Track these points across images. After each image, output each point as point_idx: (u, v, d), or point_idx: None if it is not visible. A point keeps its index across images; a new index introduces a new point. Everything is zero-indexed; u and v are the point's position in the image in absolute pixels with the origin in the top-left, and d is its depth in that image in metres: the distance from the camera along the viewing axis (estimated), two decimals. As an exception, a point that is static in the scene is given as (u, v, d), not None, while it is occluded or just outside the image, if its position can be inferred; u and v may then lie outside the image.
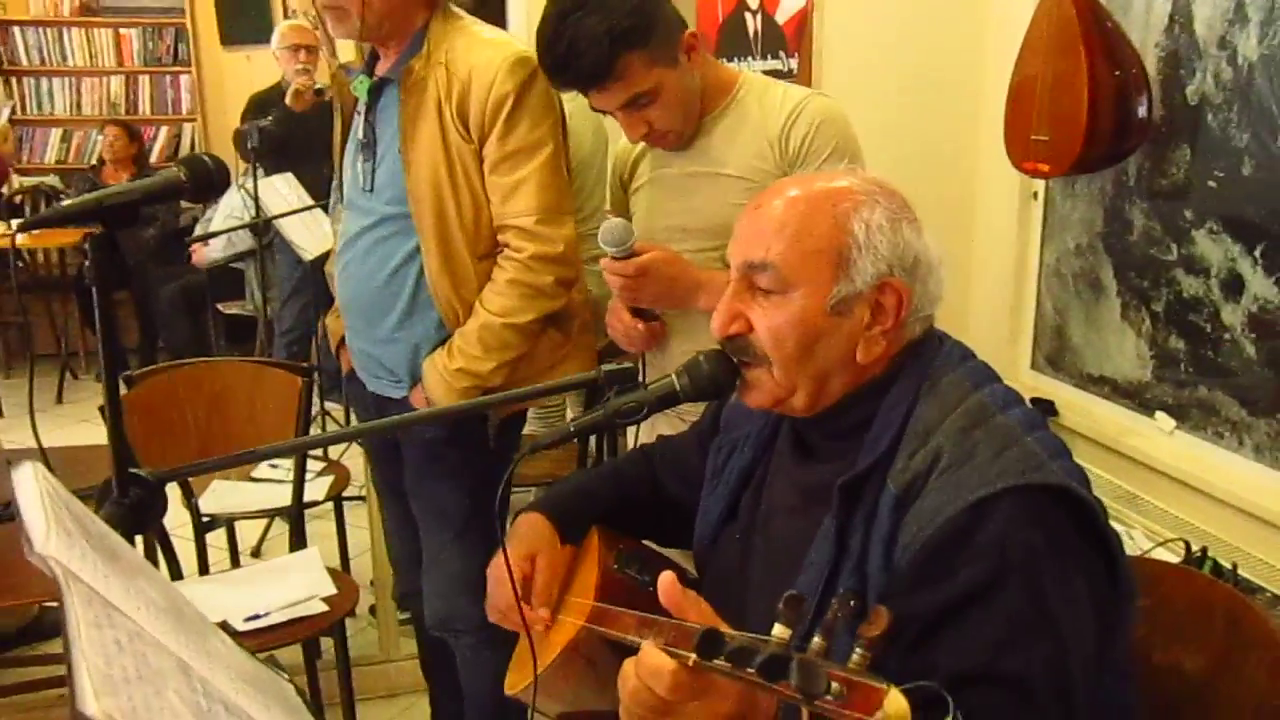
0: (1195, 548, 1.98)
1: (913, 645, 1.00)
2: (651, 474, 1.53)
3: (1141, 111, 2.26)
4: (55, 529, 0.80)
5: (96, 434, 4.62)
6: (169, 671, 0.73)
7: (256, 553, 3.49)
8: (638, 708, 0.89)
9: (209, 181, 1.20)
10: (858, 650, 0.70)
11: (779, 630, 0.76)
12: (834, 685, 0.68)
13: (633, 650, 0.97)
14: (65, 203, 1.11)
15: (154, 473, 1.20)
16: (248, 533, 3.40)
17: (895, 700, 0.66)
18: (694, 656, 0.79)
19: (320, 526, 3.19)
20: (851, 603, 1.09)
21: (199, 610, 1.02)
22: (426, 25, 1.86)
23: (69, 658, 0.62)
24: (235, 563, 3.06)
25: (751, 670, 0.73)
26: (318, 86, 4.26)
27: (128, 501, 1.18)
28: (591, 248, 3.29)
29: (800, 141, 1.77)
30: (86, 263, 1.10)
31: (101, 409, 2.22)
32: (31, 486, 0.89)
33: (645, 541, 1.47)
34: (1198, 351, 2.28)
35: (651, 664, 0.86)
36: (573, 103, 2.05)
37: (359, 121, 1.97)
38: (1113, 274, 2.51)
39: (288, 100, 4.25)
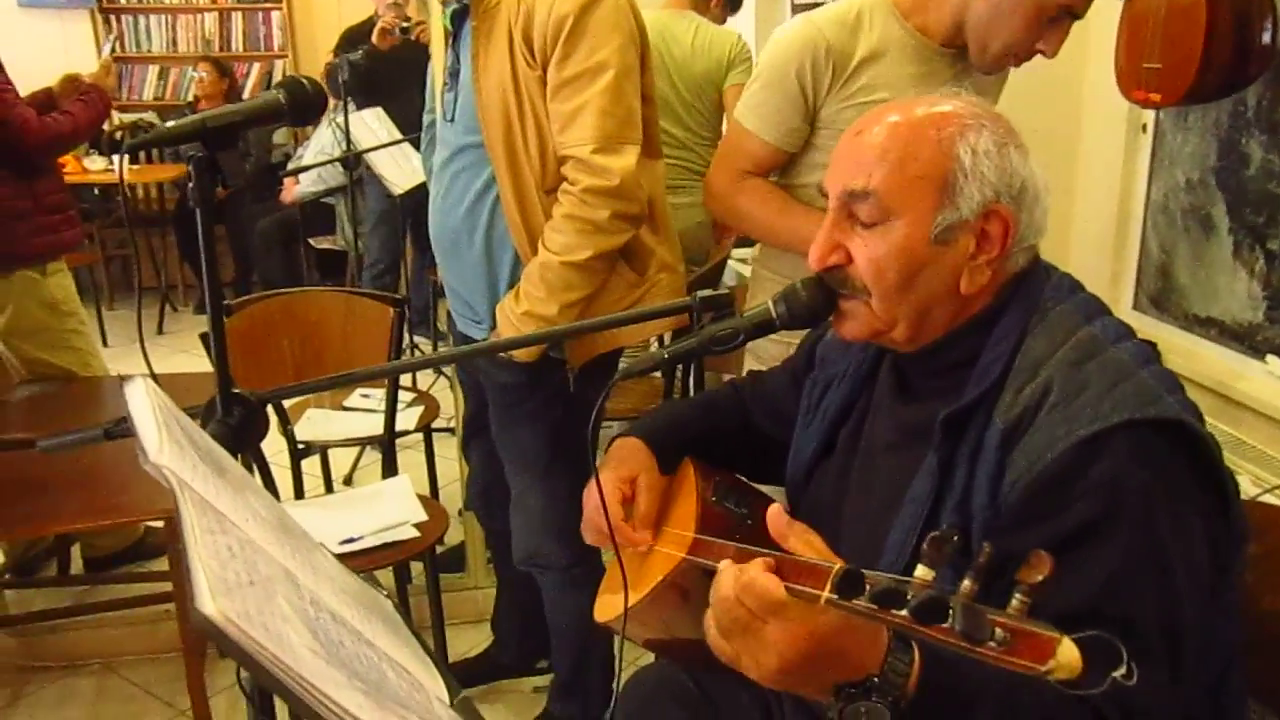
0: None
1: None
2: (742, 407, 1.52)
3: (1265, 37, 2.12)
4: (168, 440, 0.82)
5: (196, 363, 4.76)
6: (278, 579, 0.75)
7: (348, 480, 3.58)
8: (724, 617, 0.88)
9: (307, 104, 1.21)
10: (1017, 596, 0.68)
11: (922, 571, 0.74)
12: (998, 632, 0.66)
13: None
14: (170, 124, 1.13)
15: (256, 393, 1.23)
16: (340, 461, 3.49)
17: (1068, 650, 0.64)
18: (826, 594, 0.78)
19: (410, 457, 3.26)
20: (955, 538, 1.08)
21: (302, 527, 1.05)
22: None
23: (184, 561, 0.63)
24: (329, 489, 3.15)
25: (902, 614, 0.71)
26: (404, 25, 4.26)
27: (231, 421, 1.21)
28: (679, 178, 3.29)
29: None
30: (190, 185, 1.11)
31: (203, 336, 2.29)
32: (144, 400, 0.91)
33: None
34: (1315, 292, 2.17)
35: (749, 576, 0.85)
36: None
37: (449, 52, 1.95)
38: (1225, 211, 2.40)
39: (374, 38, 4.27)
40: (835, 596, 0.77)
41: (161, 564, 2.97)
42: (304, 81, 1.20)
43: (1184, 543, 0.99)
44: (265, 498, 0.98)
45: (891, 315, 1.13)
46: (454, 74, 1.93)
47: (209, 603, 0.58)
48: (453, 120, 1.93)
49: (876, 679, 0.86)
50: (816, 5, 1.90)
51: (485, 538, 2.65)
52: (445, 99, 1.96)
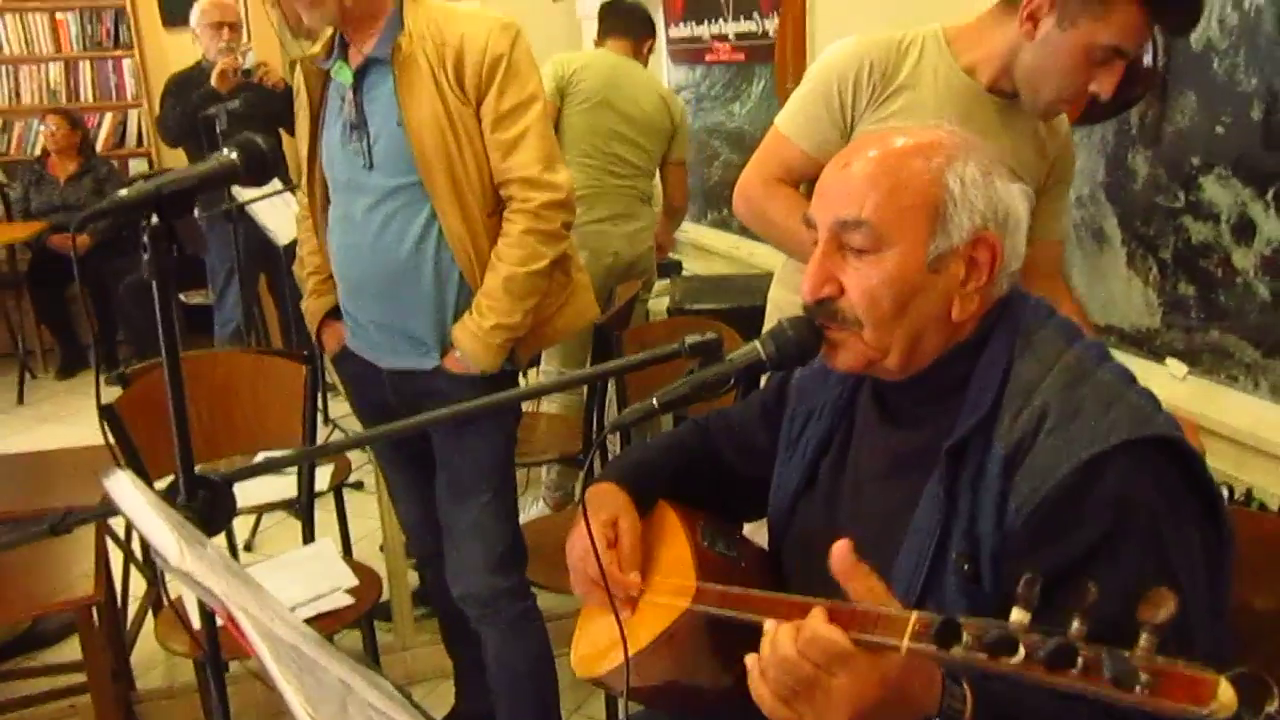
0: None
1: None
2: (709, 446, 1.50)
3: (1147, 59, 2.25)
4: (186, 544, 0.75)
5: (65, 435, 4.48)
6: (337, 686, 0.69)
7: (249, 546, 3.42)
8: (786, 677, 0.86)
9: (262, 163, 1.14)
10: (1145, 635, 0.67)
11: (1018, 614, 0.73)
12: (1141, 675, 0.65)
13: (753, 630, 0.95)
14: (122, 192, 1.05)
15: (221, 473, 1.15)
16: (237, 527, 3.32)
17: (1226, 690, 0.63)
18: (906, 644, 0.76)
19: (318, 516, 3.12)
20: (965, 567, 1.08)
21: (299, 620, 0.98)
22: (400, 7, 1.93)
23: (274, 687, 0.57)
24: (234, 557, 2.98)
25: (1018, 660, 0.69)
26: (245, 67, 4.12)
27: (196, 505, 1.13)
28: (631, 206, 3.50)
29: (1057, 163, 1.83)
30: (146, 257, 1.03)
31: (105, 409, 2.14)
32: (136, 497, 0.84)
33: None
34: (1208, 296, 2.29)
35: (811, 630, 0.82)
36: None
37: (342, 105, 1.98)
38: (1117, 223, 2.51)
39: (213, 81, 4.11)
40: (934, 648, 0.75)
41: (55, 654, 2.77)
42: (258, 140, 1.14)
43: (1187, 555, 1.03)
44: (270, 595, 0.91)
45: (884, 344, 1.13)
46: (358, 125, 1.95)
47: (316, 729, 0.53)
48: (371, 167, 1.96)
49: (936, 718, 0.85)
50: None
51: (420, 588, 2.58)
52: (358, 148, 1.97)
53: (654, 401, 1.17)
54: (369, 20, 1.91)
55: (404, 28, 1.90)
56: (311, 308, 2.21)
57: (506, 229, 1.95)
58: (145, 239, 1.04)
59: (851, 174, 1.13)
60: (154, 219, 1.05)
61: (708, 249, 4.46)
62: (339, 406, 4.47)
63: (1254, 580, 1.39)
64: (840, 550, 0.86)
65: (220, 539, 2.90)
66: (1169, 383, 2.41)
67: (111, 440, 2.15)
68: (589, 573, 1.29)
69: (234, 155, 1.12)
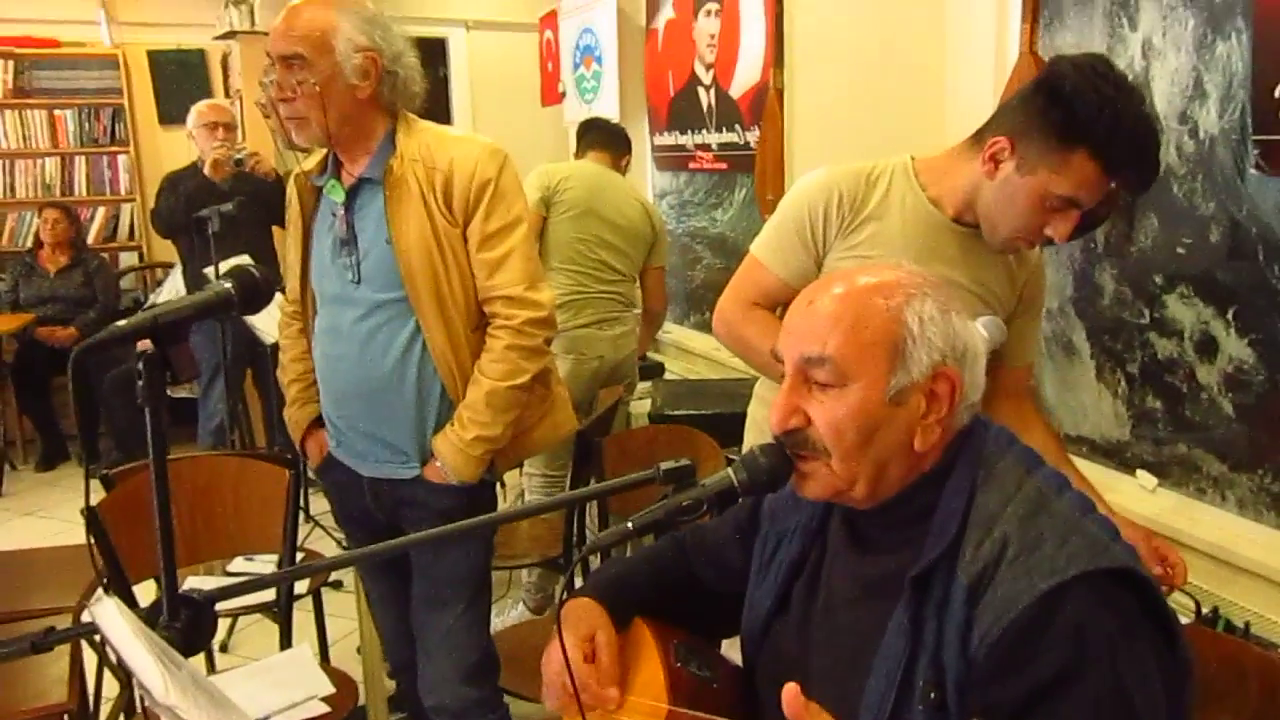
0: (1185, 600, 2.01)
1: None
2: (686, 562, 1.53)
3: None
4: (170, 678, 0.78)
5: (44, 529, 4.47)
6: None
7: (225, 648, 3.39)
8: None
9: (256, 293, 1.19)
10: None
11: None
12: None
13: None
14: (120, 323, 1.09)
15: (204, 593, 1.17)
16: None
17: None
18: None
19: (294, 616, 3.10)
20: (932, 695, 1.11)
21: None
22: (393, 131, 2.00)
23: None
24: (210, 660, 2.96)
25: None
26: (237, 157, 4.22)
27: (179, 624, 1.15)
28: (615, 309, 3.59)
29: (1026, 290, 1.87)
30: (140, 384, 1.07)
31: (86, 511, 2.15)
32: (123, 625, 0.86)
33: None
34: (1175, 410, 2.36)
35: None
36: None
37: (333, 221, 2.05)
38: (1085, 337, 2.59)
39: (206, 170, 4.20)
40: None
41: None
42: (253, 271, 1.19)
43: (1145, 683, 1.05)
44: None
45: (851, 474, 1.18)
46: (345, 241, 2.02)
47: None
48: (359, 282, 2.01)
49: None
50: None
51: (396, 696, 2.56)
52: (347, 263, 2.03)
53: (629, 525, 1.21)
54: (359, 142, 1.99)
55: (395, 150, 1.98)
56: (295, 418, 2.25)
57: (490, 344, 2.01)
58: (140, 366, 1.07)
59: (816, 311, 1.19)
60: (149, 346, 1.09)
61: (690, 350, 4.53)
62: (320, 502, 4.46)
63: (1217, 701, 1.42)
64: (789, 694, 0.90)
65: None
66: (1140, 495, 2.46)
67: (93, 543, 2.16)
68: (566, 688, 1.31)
69: (229, 286, 1.16)
